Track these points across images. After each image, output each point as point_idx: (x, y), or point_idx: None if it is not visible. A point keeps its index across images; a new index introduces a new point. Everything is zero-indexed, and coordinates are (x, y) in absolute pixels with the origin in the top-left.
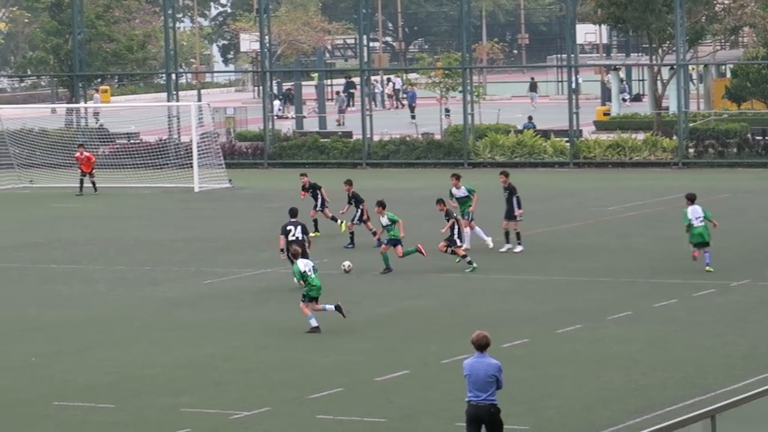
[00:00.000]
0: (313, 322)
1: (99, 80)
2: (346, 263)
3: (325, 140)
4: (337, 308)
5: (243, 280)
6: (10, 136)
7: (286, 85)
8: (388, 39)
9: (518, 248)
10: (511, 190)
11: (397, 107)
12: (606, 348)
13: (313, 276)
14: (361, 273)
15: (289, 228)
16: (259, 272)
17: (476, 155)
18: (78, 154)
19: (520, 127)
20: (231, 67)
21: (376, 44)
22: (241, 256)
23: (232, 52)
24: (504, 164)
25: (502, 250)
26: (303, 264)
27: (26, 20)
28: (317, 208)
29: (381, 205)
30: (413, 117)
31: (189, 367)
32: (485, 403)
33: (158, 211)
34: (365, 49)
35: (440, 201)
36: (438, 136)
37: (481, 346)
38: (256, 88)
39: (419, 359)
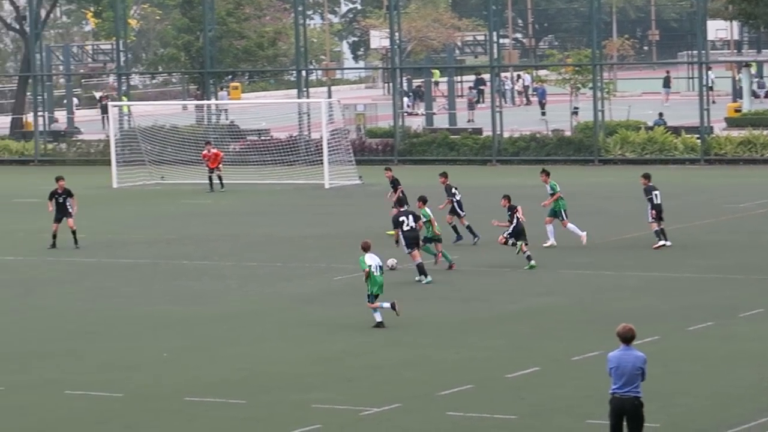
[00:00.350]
0: (378, 317)
1: (229, 77)
2: (391, 261)
3: (455, 137)
4: (392, 306)
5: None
6: (142, 132)
7: (416, 82)
8: (518, 35)
9: (667, 243)
10: (648, 190)
11: (526, 104)
12: (737, 345)
13: (377, 274)
14: (492, 269)
15: (402, 219)
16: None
17: (606, 152)
18: (205, 152)
19: (650, 124)
20: (361, 63)
21: (506, 41)
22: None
23: (362, 49)
24: (634, 161)
25: (656, 246)
26: (370, 258)
27: (157, 17)
28: (394, 206)
29: (422, 200)
30: (543, 114)
31: (319, 364)
32: (629, 396)
33: (289, 208)
34: (495, 45)
35: (506, 197)
36: (568, 133)
37: (627, 338)
38: (386, 84)
39: (549, 356)
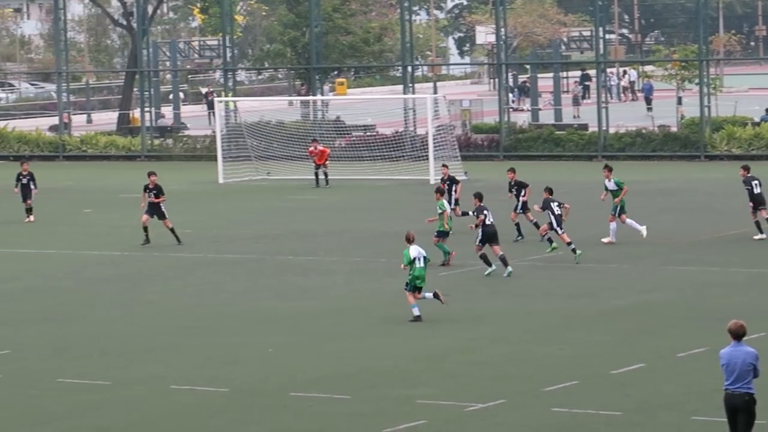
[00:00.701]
0: (416, 311)
1: (335, 72)
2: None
3: (561, 133)
4: (435, 295)
5: (478, 272)
6: (248, 128)
7: (522, 78)
8: (624, 31)
9: (762, 236)
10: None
11: (632, 100)
12: None
13: (421, 266)
14: (597, 265)
15: (485, 213)
16: (494, 265)
17: (713, 148)
18: (311, 149)
19: (757, 120)
20: (467, 59)
21: (612, 36)
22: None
23: (467, 45)
24: (741, 157)
25: (755, 238)
26: (415, 251)
27: (264, 13)
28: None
29: (440, 192)
30: (649, 109)
31: (424, 359)
32: (740, 392)
33: (394, 203)
34: (601, 41)
35: (547, 189)
36: (674, 129)
37: (739, 335)
38: (491, 80)
39: (655, 352)
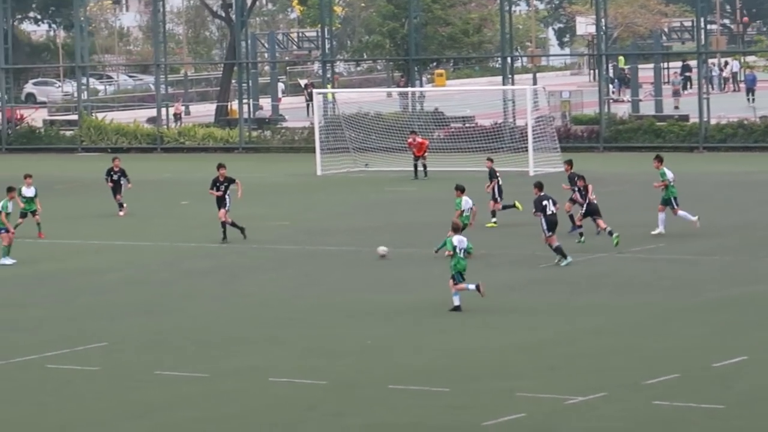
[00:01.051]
0: (456, 301)
1: (434, 64)
2: (381, 248)
3: (661, 124)
4: (477, 288)
5: (577, 264)
6: (346, 119)
7: (623, 68)
8: (726, 21)
9: None
10: None
11: (734, 90)
12: None
13: (461, 255)
14: (697, 257)
15: (544, 203)
16: (594, 257)
17: None
18: (410, 140)
19: None
20: (566, 50)
21: (714, 27)
22: (575, 240)
23: (567, 36)
24: None
25: None
26: (458, 240)
27: (363, 4)
28: (495, 198)
29: (460, 189)
30: (751, 100)
31: (524, 351)
32: None
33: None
34: (702, 31)
35: (580, 177)
36: None
37: None
38: (591, 71)
39: (757, 345)
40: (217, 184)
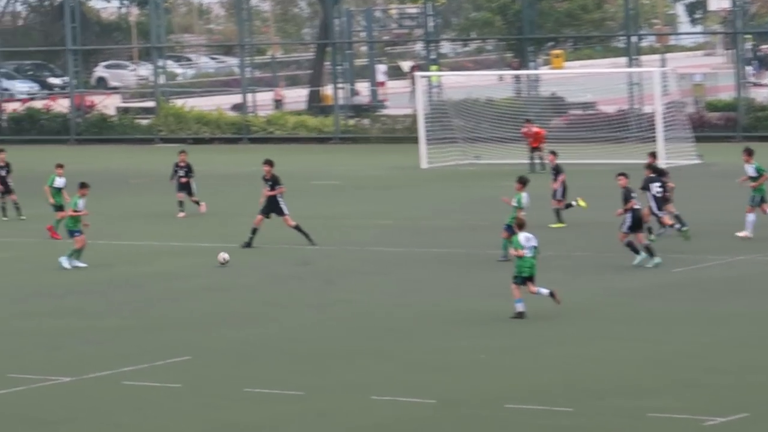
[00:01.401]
0: (519, 307)
1: (551, 43)
2: (223, 255)
3: None
4: (551, 294)
5: (715, 268)
6: (454, 106)
7: (763, 48)
8: None
9: None
10: None
11: None
12: None
13: (529, 255)
14: None
15: (633, 195)
16: (734, 259)
17: None
18: (525, 130)
19: None
20: (698, 28)
21: None
22: (714, 241)
23: (699, 11)
24: None
25: None
26: (524, 238)
27: None
28: (556, 197)
29: (522, 182)
30: None
31: (654, 366)
32: None
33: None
34: None
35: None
36: None
37: None
38: (727, 51)
39: None
40: (267, 183)
